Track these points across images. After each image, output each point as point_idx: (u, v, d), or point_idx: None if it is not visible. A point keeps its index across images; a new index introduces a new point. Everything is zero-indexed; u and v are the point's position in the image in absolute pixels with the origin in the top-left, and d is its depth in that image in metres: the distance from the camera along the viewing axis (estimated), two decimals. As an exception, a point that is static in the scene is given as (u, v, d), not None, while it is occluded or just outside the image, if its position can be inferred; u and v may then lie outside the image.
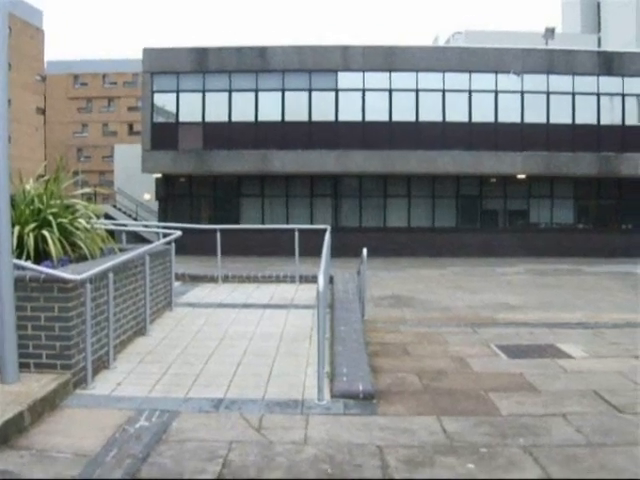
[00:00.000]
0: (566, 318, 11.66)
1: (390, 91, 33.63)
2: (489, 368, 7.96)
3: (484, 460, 5.20)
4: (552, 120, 34.29)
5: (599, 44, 58.35)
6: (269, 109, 33.69)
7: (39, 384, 6.39)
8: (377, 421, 6.07)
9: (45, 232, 8.12)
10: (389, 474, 4.92)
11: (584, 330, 10.51)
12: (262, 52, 33.42)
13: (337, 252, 17.08)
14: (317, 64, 33.35)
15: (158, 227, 18.89)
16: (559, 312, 13.03)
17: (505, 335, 9.89)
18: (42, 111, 66.92)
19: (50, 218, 8.38)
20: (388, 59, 33.23)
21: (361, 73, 33.56)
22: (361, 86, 33.62)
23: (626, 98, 35.04)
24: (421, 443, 5.54)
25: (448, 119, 33.77)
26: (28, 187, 9.10)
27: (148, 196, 41.50)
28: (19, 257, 7.46)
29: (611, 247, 33.26)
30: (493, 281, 20.69)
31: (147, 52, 33.91)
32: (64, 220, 8.58)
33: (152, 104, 34.38)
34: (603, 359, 8.61)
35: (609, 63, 34.66)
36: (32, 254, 7.85)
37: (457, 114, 33.72)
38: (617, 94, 34.90)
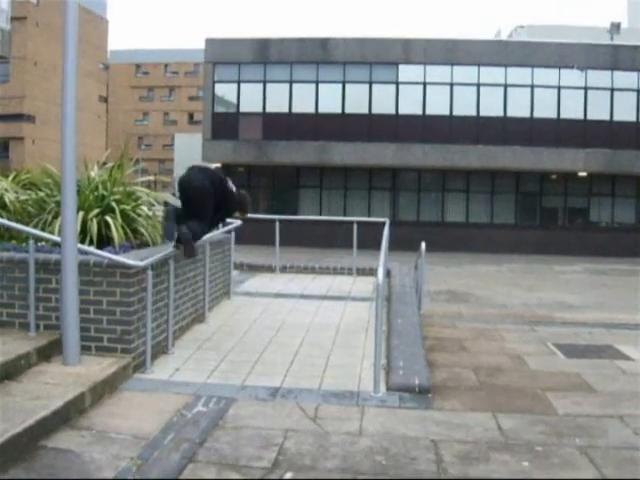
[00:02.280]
0: (625, 319, 11.48)
1: (451, 85, 33.40)
2: (546, 366, 7.90)
3: (539, 458, 5.18)
4: (616, 117, 33.71)
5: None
6: (329, 101, 33.72)
7: (100, 367, 6.53)
8: (432, 415, 6.08)
9: (108, 218, 8.26)
10: (443, 468, 4.93)
11: (644, 332, 10.36)
12: (323, 44, 33.45)
13: (394, 246, 17.02)
14: (378, 57, 33.26)
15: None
16: (618, 313, 12.84)
17: (562, 334, 9.80)
18: (105, 99, 67.91)
19: (113, 204, 8.52)
20: (449, 53, 32.99)
21: (422, 66, 33.38)
22: (422, 79, 33.45)
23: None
24: (476, 439, 5.53)
25: (509, 114, 33.43)
26: (93, 174, 9.26)
27: (207, 185, 41.82)
28: (82, 242, 7.61)
29: (674, 248, 32.58)
30: (551, 279, 20.49)
31: (209, 42, 34.18)
32: (127, 207, 8.73)
33: (213, 94, 34.67)
34: (663, 362, 8.49)
35: (677, 59, 33.95)
36: (95, 239, 8.00)
37: (518, 109, 33.36)
38: (684, 90, 34.19)
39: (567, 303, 14.70)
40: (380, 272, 6.84)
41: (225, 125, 34.16)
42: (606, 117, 33.68)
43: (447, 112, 33.47)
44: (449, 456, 5.15)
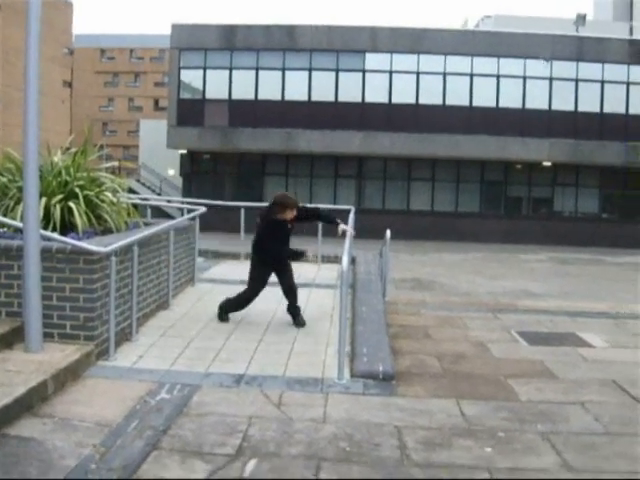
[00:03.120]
0: (588, 307, 11.62)
1: (417, 74, 33.48)
2: (509, 354, 7.98)
3: (501, 444, 5.23)
4: (580, 108, 34.05)
5: (631, 32, 57.67)
6: (296, 88, 33.66)
7: (63, 354, 6.48)
8: (396, 402, 6.11)
9: (72, 204, 8.19)
10: (407, 454, 4.96)
11: (606, 320, 10.48)
12: (290, 31, 33.35)
13: (359, 234, 17.06)
14: (345, 44, 33.24)
15: (182, 202, 18.96)
16: (581, 301, 13.01)
17: (526, 322, 9.88)
18: (69, 84, 67.07)
19: (77, 190, 8.44)
20: (416, 41, 33.06)
21: (389, 55, 33.42)
22: (388, 68, 33.50)
23: (656, 87, 34.72)
24: (439, 425, 5.57)
25: (475, 103, 33.61)
26: (56, 159, 9.16)
27: (172, 172, 41.67)
28: (45, 228, 7.53)
29: (635, 238, 32.99)
30: (515, 268, 20.67)
31: (175, 28, 33.95)
32: (90, 193, 8.65)
33: (179, 80, 34.45)
34: (624, 349, 8.60)
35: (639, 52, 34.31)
36: (58, 226, 7.93)
37: (484, 99, 33.55)
38: (647, 83, 34.57)
39: (531, 291, 14.84)
40: (345, 260, 6.84)
41: (191, 112, 33.96)
42: (570, 108, 34.00)
43: (413, 101, 33.56)
44: (412, 442, 5.18)
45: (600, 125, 33.81)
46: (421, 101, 33.57)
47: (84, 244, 6.92)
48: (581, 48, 33.88)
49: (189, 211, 12.87)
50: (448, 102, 33.56)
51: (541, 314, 10.61)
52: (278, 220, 8.97)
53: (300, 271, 14.01)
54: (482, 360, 7.68)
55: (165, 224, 9.72)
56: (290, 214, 9.00)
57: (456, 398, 6.26)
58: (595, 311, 11.16)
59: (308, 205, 9.88)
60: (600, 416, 5.97)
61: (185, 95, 34.89)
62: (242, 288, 9.20)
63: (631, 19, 61.33)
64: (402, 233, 28.98)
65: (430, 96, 33.51)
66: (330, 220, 9.70)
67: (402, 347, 8.00)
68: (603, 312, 11.13)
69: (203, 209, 12.19)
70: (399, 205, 34.74)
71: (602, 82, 34.07)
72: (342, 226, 9.22)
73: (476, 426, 5.59)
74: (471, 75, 33.57)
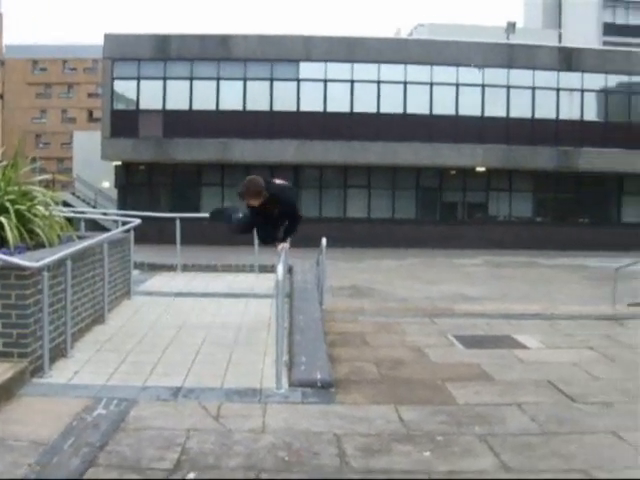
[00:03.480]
0: (523, 309, 11.79)
1: (352, 82, 33.74)
2: (446, 358, 8.04)
3: (440, 448, 5.26)
4: (512, 114, 34.70)
5: (560, 40, 58.96)
6: (230, 98, 33.63)
7: (-5, 372, 6.33)
8: (335, 410, 6.10)
9: (2, 219, 8.01)
10: (346, 462, 4.95)
11: (540, 321, 10.64)
12: (224, 41, 33.31)
13: (296, 242, 17.02)
14: (279, 54, 33.33)
15: (117, 215, 18.75)
16: (516, 303, 13.20)
17: (462, 326, 9.97)
18: (0, 96, 65.94)
19: (7, 205, 8.26)
20: (350, 50, 33.30)
21: (323, 64, 33.63)
22: (323, 77, 33.69)
23: (585, 94, 35.58)
24: (378, 431, 5.58)
25: (409, 111, 33.99)
26: (-15, 173, 8.96)
27: (107, 184, 41.20)
28: (-25, 244, 7.37)
29: (568, 240, 33.70)
30: (451, 272, 20.91)
31: (108, 38, 33.62)
32: (22, 207, 8.47)
33: (112, 91, 34.14)
34: (558, 350, 8.74)
35: (569, 59, 35.13)
36: (-12, 241, 7.76)
37: (418, 106, 33.96)
38: (576, 89, 35.37)
39: (467, 295, 15.03)
40: (279, 269, 6.84)
41: (125, 123, 33.68)
42: (503, 114, 34.62)
43: (348, 109, 33.79)
44: (352, 449, 5.18)
45: (532, 131, 34.48)
46: (356, 109, 33.82)
47: (15, 259, 6.78)
48: (512, 55, 34.54)
49: (124, 223, 12.72)
50: (382, 110, 33.87)
51: (477, 317, 10.71)
52: (249, 206, 8.96)
53: (237, 281, 14.03)
54: (420, 365, 7.73)
55: (99, 237, 9.58)
56: (253, 201, 8.79)
57: (394, 404, 6.28)
58: (530, 313, 11.33)
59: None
60: (536, 416, 6.05)
61: (119, 106, 34.58)
62: (179, 300, 9.13)
63: (560, 26, 62.69)
64: (339, 241, 29.10)
65: (365, 104, 33.79)
66: (287, 230, 9.37)
67: (340, 355, 8.01)
68: (537, 314, 11.30)
69: (138, 221, 12.06)
70: (335, 213, 34.88)
71: (533, 88, 34.78)
72: (281, 245, 9.01)
73: (414, 431, 5.62)
74: (405, 83, 33.94)
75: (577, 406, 6.42)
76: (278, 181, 9.40)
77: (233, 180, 34.63)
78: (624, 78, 36.60)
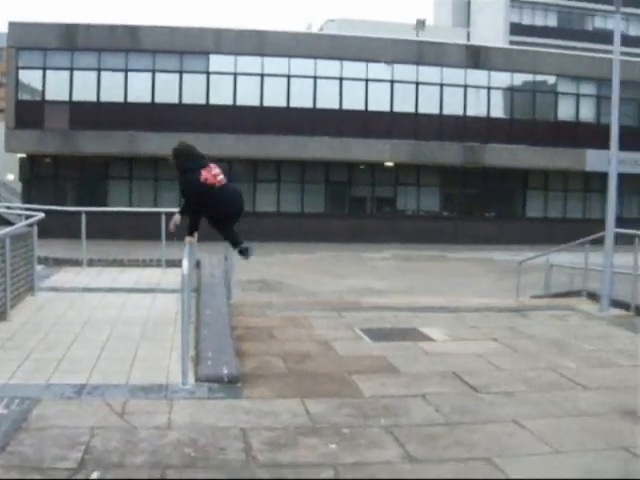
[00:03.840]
0: (429, 302, 11.96)
1: (262, 76, 33.62)
2: (353, 351, 8.09)
3: (346, 440, 5.29)
4: (420, 110, 35.11)
5: (468, 38, 60.05)
6: (139, 90, 33.11)
7: None
8: (241, 404, 6.08)
9: None
10: (252, 456, 4.93)
11: (446, 314, 10.81)
12: (133, 31, 32.75)
13: (206, 236, 16.89)
14: (189, 46, 32.96)
15: (21, 209, 18.26)
16: (423, 296, 13.39)
17: (369, 319, 10.04)
18: None
19: None
20: (260, 44, 33.18)
21: (233, 57, 33.39)
22: (233, 70, 33.45)
23: (492, 91, 36.27)
24: (284, 425, 5.58)
25: (319, 106, 34.07)
26: None
27: (12, 176, 40.12)
28: None
29: (475, 234, 34.38)
30: (360, 266, 21.06)
31: (12, 26, 32.65)
32: None
33: (17, 80, 33.20)
34: (463, 342, 8.90)
35: (476, 57, 35.77)
36: None
37: (328, 101, 34.06)
38: (483, 87, 36.03)
39: (375, 289, 15.17)
40: (185, 263, 6.77)
41: (30, 114, 32.80)
42: (411, 110, 34.98)
43: (258, 103, 33.66)
44: (258, 444, 5.16)
45: (439, 126, 35.02)
46: (266, 103, 33.71)
47: None
48: (421, 52, 34.98)
49: (27, 217, 12.40)
50: (292, 104, 33.87)
51: (384, 310, 10.81)
52: None
53: (144, 276, 13.83)
54: (327, 358, 7.76)
55: (0, 232, 9.32)
56: None
57: (301, 397, 6.29)
58: (436, 305, 11.51)
59: None
60: (440, 407, 6.16)
61: (24, 96, 33.66)
62: (84, 295, 8.93)
63: (468, 25, 63.88)
64: (249, 235, 28.84)
65: (274, 98, 33.72)
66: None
67: (248, 349, 7.98)
68: (443, 306, 11.49)
69: (41, 215, 11.77)
70: (245, 207, 34.68)
71: (441, 85, 35.31)
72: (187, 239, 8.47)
73: (321, 424, 5.64)
74: (315, 77, 34.00)
75: (480, 396, 6.56)
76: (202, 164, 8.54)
77: (141, 173, 34.19)
78: (529, 77, 37.50)
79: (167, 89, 33.28)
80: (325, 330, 9.18)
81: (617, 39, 11.72)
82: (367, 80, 34.58)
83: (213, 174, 8.36)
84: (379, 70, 34.55)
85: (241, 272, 15.48)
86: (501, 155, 35.80)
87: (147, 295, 11.43)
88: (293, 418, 5.76)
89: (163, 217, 15.57)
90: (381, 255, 25.77)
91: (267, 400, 6.23)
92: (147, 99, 33.19)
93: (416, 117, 35.06)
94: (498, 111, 37.25)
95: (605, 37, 47.79)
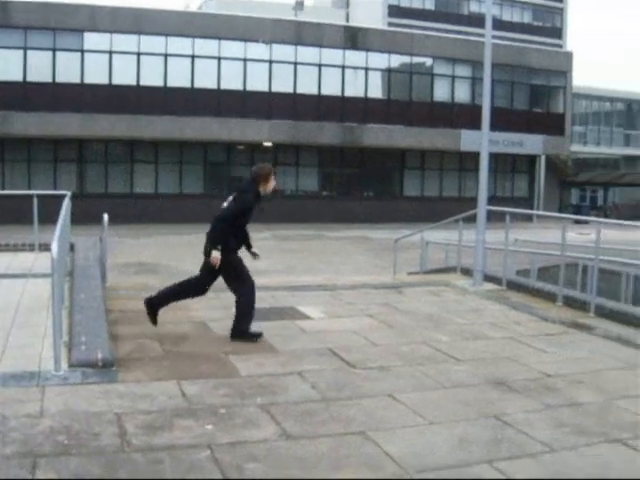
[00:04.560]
0: (307, 281, 12.10)
1: (138, 54, 32.98)
2: (230, 331, 8.08)
3: (223, 420, 5.31)
4: (299, 90, 35.18)
5: (347, 19, 60.43)
6: (10, 68, 31.90)
7: None
8: (116, 389, 6.00)
9: None
10: (127, 441, 4.89)
11: (323, 292, 10.95)
12: (3, 7, 31.46)
13: (82, 219, 16.56)
14: (62, 22, 31.95)
15: None
16: (302, 275, 13.51)
17: (248, 299, 10.06)
18: None
19: None
20: (137, 22, 32.51)
21: (109, 35, 32.58)
22: (108, 48, 32.65)
23: (369, 72, 36.67)
24: (160, 408, 5.55)
25: (197, 85, 33.71)
26: None
27: None
28: None
29: (353, 213, 34.84)
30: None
31: None
32: None
33: None
34: (339, 319, 9.05)
35: (354, 38, 36.08)
36: None
37: (206, 81, 33.74)
38: (361, 68, 36.40)
39: (256, 269, 15.04)
40: (54, 246, 6.59)
41: None
42: (290, 90, 35.00)
43: (134, 82, 33.01)
44: (133, 428, 5.12)
45: (318, 107, 35.19)
46: (142, 82, 33.12)
47: None
48: (300, 32, 35.01)
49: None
50: (170, 84, 33.40)
51: (262, 290, 10.72)
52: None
53: (16, 260, 13.41)
54: (204, 339, 7.74)
55: None
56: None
57: (177, 379, 6.26)
58: (314, 284, 11.64)
59: None
60: (317, 384, 6.26)
61: None
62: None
63: (347, 6, 64.25)
64: (127, 217, 28.58)
65: (151, 77, 33.16)
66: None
67: (123, 332, 7.87)
68: (321, 285, 11.64)
69: None
70: (122, 189, 34.09)
71: (319, 65, 35.46)
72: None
73: (197, 405, 5.63)
74: (193, 57, 33.61)
75: (356, 372, 6.70)
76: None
77: (14, 155, 33.04)
78: (406, 59, 38.15)
79: (39, 67, 32.19)
80: (203, 311, 9.16)
81: (489, 23, 12.04)
82: (245, 60, 34.41)
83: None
84: (258, 50, 34.42)
85: (119, 255, 15.28)
86: (379, 135, 36.33)
87: (19, 280, 11.07)
88: (169, 400, 5.73)
89: (35, 199, 15.13)
90: (260, 235, 25.54)
91: (142, 383, 6.17)
92: (18, 78, 32.02)
93: (295, 97, 35.13)
94: (376, 92, 37.74)
95: (480, 21, 48.50)
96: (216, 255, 7.69)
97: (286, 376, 6.48)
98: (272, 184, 8.15)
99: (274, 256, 18.23)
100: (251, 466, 4.55)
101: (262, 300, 10.02)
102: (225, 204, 8.01)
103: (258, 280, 12.39)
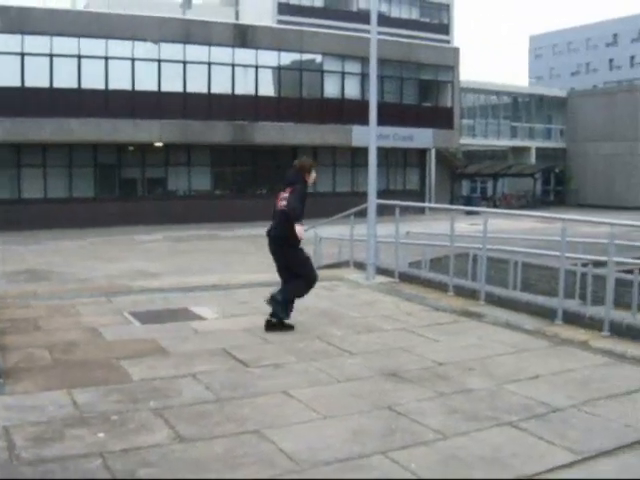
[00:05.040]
0: (201, 282, 12.00)
1: (22, 55, 31.95)
2: (122, 336, 7.96)
3: (115, 427, 5.23)
4: (189, 89, 34.85)
5: (237, 17, 60.15)
6: None
7: None
8: (3, 401, 5.81)
9: None
10: (16, 454, 4.74)
11: (217, 292, 10.90)
12: None
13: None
14: None
15: None
16: (195, 276, 13.39)
17: (140, 302, 9.92)
18: None
19: None
20: (21, 21, 31.50)
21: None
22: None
23: (259, 69, 36.61)
24: (50, 418, 5.41)
25: (84, 86, 32.95)
26: None
27: None
28: None
29: (246, 211, 34.71)
30: (132, 250, 20.74)
31: None
32: None
33: None
34: (233, 318, 9.04)
35: (244, 36, 35.94)
36: None
37: (94, 81, 32.99)
38: (251, 65, 36.30)
39: (147, 271, 14.99)
40: None
41: None
42: (179, 89, 34.64)
43: (19, 83, 32.04)
44: (22, 440, 4.97)
45: (208, 105, 34.94)
46: (27, 84, 32.14)
47: None
48: (188, 31, 34.68)
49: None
50: (56, 84, 32.53)
51: (155, 293, 10.72)
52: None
53: None
54: (94, 346, 7.59)
55: None
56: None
57: (68, 388, 6.12)
58: (207, 284, 11.56)
59: None
60: (211, 384, 6.23)
61: None
62: None
63: (237, 4, 63.93)
64: (15, 223, 27.82)
65: (37, 78, 32.20)
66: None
67: (11, 342, 7.63)
68: (214, 285, 11.57)
69: None
70: (9, 194, 33.02)
71: (209, 64, 35.18)
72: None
73: (88, 413, 5.53)
74: (79, 56, 32.82)
75: (250, 370, 6.70)
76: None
77: None
78: (296, 56, 38.24)
79: None
80: (93, 317, 8.98)
81: (374, 20, 12.21)
82: (134, 59, 33.82)
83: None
84: (146, 49, 33.90)
85: (7, 263, 14.85)
86: (270, 133, 36.34)
87: None
88: (59, 410, 5.60)
89: None
90: (154, 237, 25.48)
91: (31, 394, 6.00)
92: None
93: (185, 96, 34.75)
94: (266, 89, 37.69)
95: (369, 17, 49.36)
96: (301, 228, 8.46)
97: (179, 378, 6.42)
98: (314, 175, 8.95)
99: (167, 258, 18.06)
100: (144, 471, 4.50)
101: (154, 303, 9.95)
102: (285, 195, 8.65)
103: (151, 283, 12.32)
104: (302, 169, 8.85)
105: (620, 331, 8.11)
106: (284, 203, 8.59)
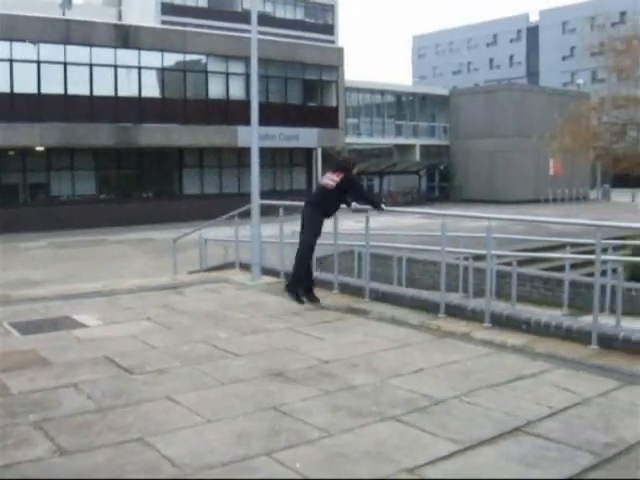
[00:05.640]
0: (85, 289, 11.74)
1: None
2: (0, 348, 7.73)
3: (-9, 442, 5.07)
4: (70, 91, 34.16)
5: (120, 17, 59.21)
6: None
7: None
8: None
9: None
10: None
11: (101, 298, 10.70)
12: None
13: None
14: None
15: None
16: (80, 283, 13.12)
17: (20, 312, 9.63)
18: None
19: None
20: None
21: None
22: None
23: (142, 71, 36.22)
24: None
25: (-43, 90, 31.86)
26: None
27: None
28: None
29: (133, 215, 34.28)
30: (15, 258, 20.17)
31: None
32: None
33: None
34: (117, 325, 8.88)
35: (126, 36, 35.48)
36: None
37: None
38: (134, 67, 35.87)
39: (30, 280, 14.60)
40: None
41: None
42: (61, 91, 33.95)
43: None
44: None
45: (91, 108, 34.33)
46: None
47: None
48: (69, 31, 33.97)
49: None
50: None
51: (37, 302, 10.45)
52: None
53: None
54: (-29, 358, 7.35)
55: None
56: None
57: (-58, 405, 5.90)
58: (90, 291, 11.32)
59: None
60: (93, 394, 6.11)
61: None
62: None
63: (120, 4, 62.96)
64: None
65: None
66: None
67: None
68: (98, 291, 11.35)
69: None
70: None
71: (91, 65, 34.55)
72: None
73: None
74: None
75: (134, 377, 6.61)
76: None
77: None
78: (180, 56, 38.00)
79: None
80: (-30, 326, 8.69)
81: (254, 20, 12.22)
82: (12, 61, 32.89)
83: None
84: (24, 50, 32.99)
85: None
86: (155, 134, 35.96)
87: None
88: None
89: None
90: (37, 244, 24.82)
91: None
92: None
93: (66, 99, 34.01)
94: (150, 91, 37.29)
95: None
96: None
97: (60, 389, 6.27)
98: (356, 170, 10.47)
99: (51, 265, 17.64)
100: (24, 487, 4.39)
101: (35, 312, 9.70)
102: (334, 177, 9.98)
103: (34, 291, 11.99)
104: (348, 164, 10.21)
105: (500, 322, 8.38)
106: (331, 183, 9.92)
